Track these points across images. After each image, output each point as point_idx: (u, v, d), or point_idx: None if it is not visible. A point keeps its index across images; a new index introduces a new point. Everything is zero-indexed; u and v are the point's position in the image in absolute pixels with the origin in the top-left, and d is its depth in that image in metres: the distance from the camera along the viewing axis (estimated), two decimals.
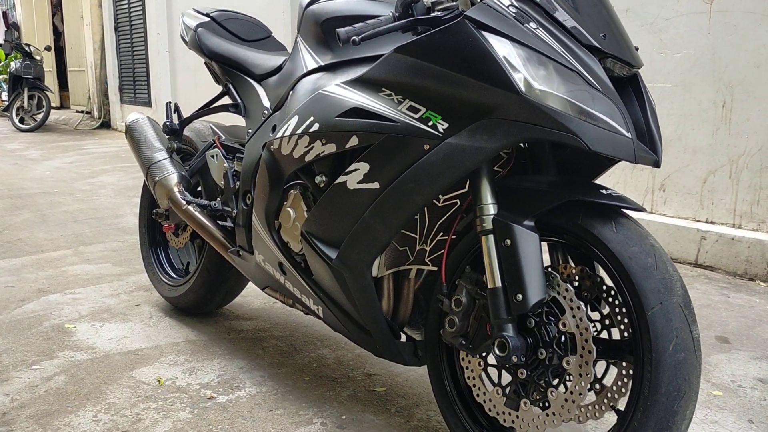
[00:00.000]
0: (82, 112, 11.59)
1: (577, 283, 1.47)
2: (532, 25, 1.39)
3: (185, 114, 2.53)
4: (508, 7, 1.40)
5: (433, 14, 1.50)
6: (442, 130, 1.43)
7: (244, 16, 2.57)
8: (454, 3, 1.50)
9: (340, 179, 1.62)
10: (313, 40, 1.90)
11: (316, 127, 1.69)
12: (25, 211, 4.60)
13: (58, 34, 14.04)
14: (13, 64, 10.46)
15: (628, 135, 1.34)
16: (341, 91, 1.65)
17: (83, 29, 11.13)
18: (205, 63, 2.46)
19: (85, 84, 11.42)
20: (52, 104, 12.63)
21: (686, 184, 3.42)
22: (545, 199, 1.43)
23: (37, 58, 10.58)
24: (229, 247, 2.17)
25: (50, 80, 12.78)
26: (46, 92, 10.48)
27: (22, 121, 10.41)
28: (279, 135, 1.82)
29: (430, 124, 1.45)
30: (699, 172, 3.36)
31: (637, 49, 1.49)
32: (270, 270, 1.99)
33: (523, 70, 1.34)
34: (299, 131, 1.74)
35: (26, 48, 10.52)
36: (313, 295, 1.84)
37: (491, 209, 1.46)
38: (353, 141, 1.60)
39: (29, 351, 2.28)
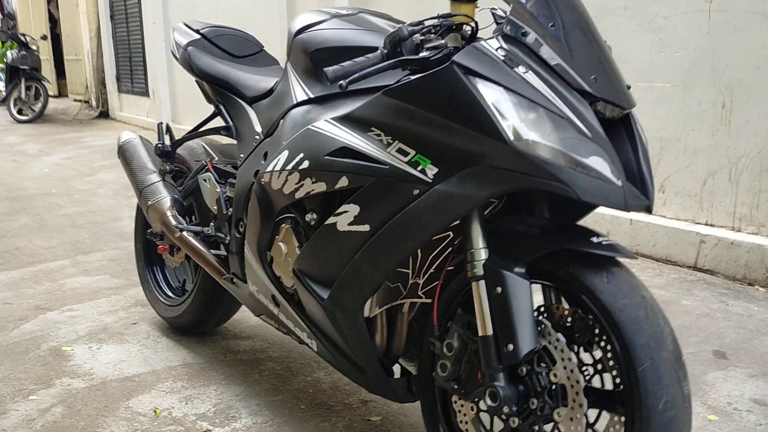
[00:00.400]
0: (80, 101, 11.55)
1: (569, 325, 1.46)
2: (522, 68, 1.36)
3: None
4: (497, 49, 1.38)
5: (421, 54, 1.46)
6: (431, 176, 1.41)
7: (235, 30, 2.53)
8: (443, 41, 1.47)
9: (331, 220, 1.61)
10: (303, 70, 1.87)
11: (305, 164, 1.67)
12: (23, 215, 4.59)
13: (54, 22, 13.92)
14: (9, 54, 10.39)
15: (619, 183, 1.32)
16: (330, 128, 1.63)
17: (79, 17, 11.04)
18: (197, 81, 2.43)
19: (83, 73, 11.35)
20: (50, 93, 12.59)
21: (686, 185, 3.39)
22: (536, 246, 1.42)
23: (33, 48, 10.51)
24: (224, 274, 2.16)
25: (47, 69, 12.73)
26: (44, 83, 10.42)
27: (20, 112, 10.37)
28: (269, 169, 1.80)
29: (419, 168, 1.43)
30: (699, 174, 3.33)
31: (629, 87, 1.46)
32: (263, 300, 1.98)
33: (512, 119, 1.31)
34: (289, 167, 1.72)
35: (22, 38, 10.45)
36: (307, 329, 1.83)
37: (482, 254, 1.44)
38: (343, 182, 1.58)
39: (27, 379, 2.29)
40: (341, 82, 1.45)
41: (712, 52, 3.19)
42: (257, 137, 2.06)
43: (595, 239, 1.39)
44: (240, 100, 2.21)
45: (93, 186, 5.55)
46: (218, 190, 2.18)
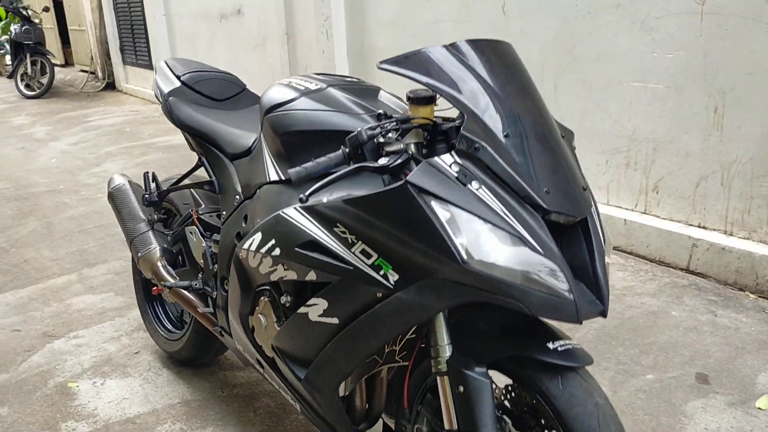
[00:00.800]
0: (86, 72, 11.53)
1: (531, 425, 1.52)
2: (475, 184, 1.38)
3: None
4: (450, 165, 1.40)
5: (380, 160, 1.48)
6: (393, 282, 1.46)
7: (216, 73, 2.54)
8: (401, 146, 1.49)
9: (303, 309, 1.66)
10: (274, 150, 1.89)
11: (277, 251, 1.72)
12: (31, 219, 4.69)
13: None
14: (12, 29, 10.36)
15: (570, 297, 1.35)
16: (300, 218, 1.66)
17: None
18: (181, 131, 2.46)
19: (87, 43, 11.30)
20: (57, 62, 12.59)
21: (679, 187, 3.39)
22: (496, 348, 1.47)
23: (36, 21, 10.46)
24: (215, 324, 2.24)
25: (52, 38, 12.68)
26: (49, 57, 10.41)
27: (27, 87, 10.40)
28: (246, 246, 1.84)
29: (381, 273, 1.48)
30: (691, 177, 3.32)
31: (585, 189, 1.48)
32: (249, 359, 2.06)
33: (464, 238, 1.34)
34: (262, 251, 1.76)
35: (24, 12, 10.39)
36: (290, 393, 1.92)
37: (446, 351, 1.50)
38: (311, 275, 1.63)
39: (34, 423, 2.41)
40: (302, 196, 1.48)
41: (704, 55, 3.14)
42: (238, 197, 2.10)
43: (554, 344, 1.44)
44: (221, 154, 2.24)
45: (99, 179, 5.62)
46: (204, 244, 2.24)
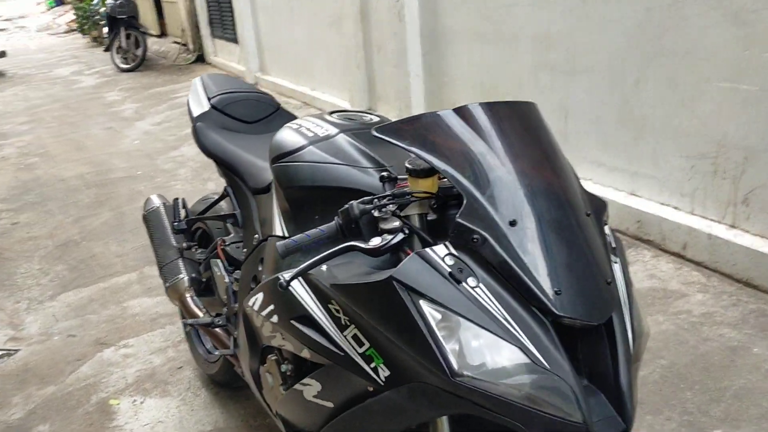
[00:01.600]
0: (178, 44, 11.77)
1: None
2: (471, 282, 1.19)
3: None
4: (443, 258, 1.21)
5: (373, 240, 1.30)
6: (383, 378, 1.30)
7: (249, 93, 2.42)
8: (397, 224, 1.31)
9: (299, 387, 1.54)
10: (280, 203, 1.75)
11: (275, 318, 1.59)
12: (105, 208, 4.80)
13: None
14: (108, 2, 10.66)
15: (580, 420, 1.15)
16: (297, 286, 1.52)
17: None
18: None
19: (179, 15, 11.49)
20: (153, 32, 12.92)
21: None
22: None
23: None
24: (236, 365, 2.16)
25: (147, 8, 12.98)
26: (142, 30, 10.66)
27: (123, 60, 10.72)
28: (251, 304, 1.73)
29: (372, 366, 1.32)
30: None
31: (609, 283, 1.24)
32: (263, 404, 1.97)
33: (454, 348, 1.16)
34: (263, 314, 1.64)
35: None
36: None
37: None
38: (305, 353, 1.50)
39: None
40: (283, 278, 1.33)
41: None
42: (257, 236, 1.98)
43: None
44: (245, 187, 2.12)
45: (175, 165, 5.69)
46: (226, 280, 2.14)
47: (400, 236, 1.29)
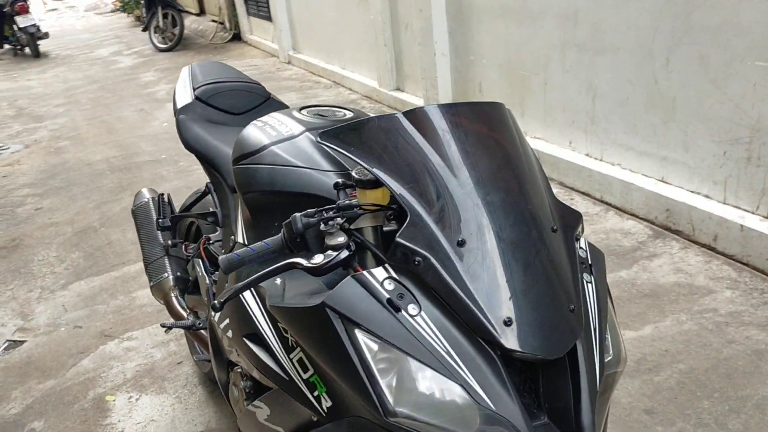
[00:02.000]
0: (215, 22, 11.74)
1: None
2: (412, 309, 1.06)
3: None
4: (382, 282, 1.08)
5: (315, 258, 1.18)
6: (325, 409, 1.19)
7: (236, 82, 2.30)
8: (342, 240, 1.18)
9: (251, 408, 1.44)
10: (242, 207, 1.64)
11: (230, 333, 1.49)
12: (127, 194, 4.78)
13: None
14: None
15: None
16: (251, 300, 1.41)
17: None
18: None
19: None
20: (192, 11, 12.93)
21: None
22: None
23: None
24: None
25: None
26: (179, 9, 10.66)
27: (161, 40, 10.75)
28: (213, 313, 1.63)
29: (315, 394, 1.21)
30: None
31: (572, 310, 1.10)
32: None
33: (390, 383, 1.04)
34: (222, 326, 1.54)
35: None
36: None
37: None
38: (255, 373, 1.39)
39: None
40: (218, 300, 1.22)
41: None
42: (233, 237, 1.88)
43: None
44: (225, 184, 2.02)
45: None
46: (207, 281, 2.05)
47: (344, 254, 1.16)
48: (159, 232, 2.34)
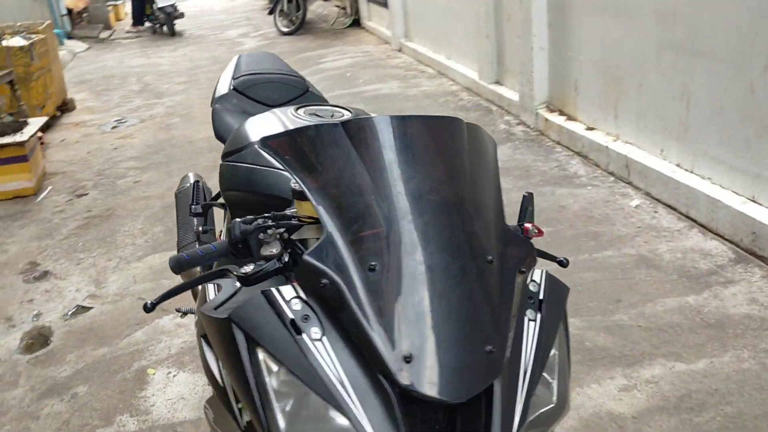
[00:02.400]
0: (339, 7, 11.93)
1: None
2: (314, 333, 1.01)
3: None
4: (289, 301, 1.04)
5: (245, 267, 1.16)
6: (245, 423, 1.16)
7: (275, 74, 2.31)
8: (275, 251, 1.15)
9: (205, 407, 1.44)
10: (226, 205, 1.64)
11: (197, 330, 1.49)
12: (216, 173, 4.96)
13: None
14: None
15: None
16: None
17: None
18: None
19: None
20: None
21: None
22: None
23: None
24: None
25: None
26: None
27: (285, 24, 11.08)
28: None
29: (239, 406, 1.18)
30: None
31: (491, 352, 1.00)
32: None
33: (285, 408, 1.00)
34: (195, 322, 1.55)
35: None
36: None
37: None
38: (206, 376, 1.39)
39: (98, 410, 2.53)
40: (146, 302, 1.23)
41: None
42: None
43: None
44: None
45: None
46: None
47: (274, 265, 1.13)
48: (192, 217, 2.39)
